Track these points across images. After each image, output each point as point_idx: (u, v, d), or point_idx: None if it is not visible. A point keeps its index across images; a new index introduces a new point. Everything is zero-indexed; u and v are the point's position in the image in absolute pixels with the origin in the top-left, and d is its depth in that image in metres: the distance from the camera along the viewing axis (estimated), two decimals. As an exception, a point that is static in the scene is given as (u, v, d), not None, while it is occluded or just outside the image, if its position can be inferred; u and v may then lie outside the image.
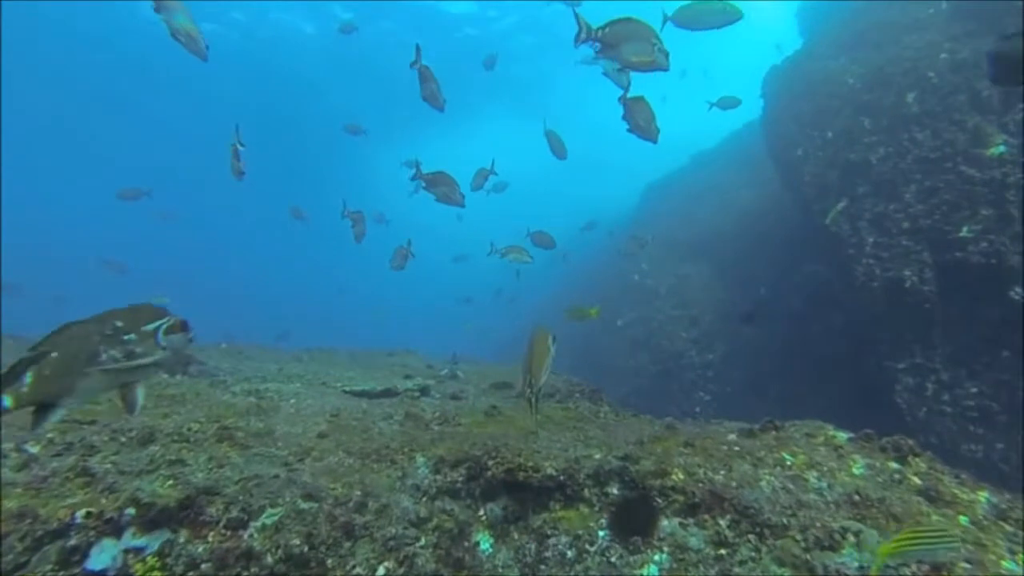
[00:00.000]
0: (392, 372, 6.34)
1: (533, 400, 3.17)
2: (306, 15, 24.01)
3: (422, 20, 24.53)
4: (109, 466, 2.53)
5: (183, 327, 2.27)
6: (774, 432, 3.70)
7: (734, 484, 3.10)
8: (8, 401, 1.97)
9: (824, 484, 2.98)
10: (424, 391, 5.12)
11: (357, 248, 8.93)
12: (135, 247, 37.00)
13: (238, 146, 5.38)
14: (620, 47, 3.67)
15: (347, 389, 4.90)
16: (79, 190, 35.59)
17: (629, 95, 4.40)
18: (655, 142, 4.50)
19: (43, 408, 2.06)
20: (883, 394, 8.44)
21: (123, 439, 2.81)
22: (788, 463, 3.23)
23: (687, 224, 15.44)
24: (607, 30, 3.71)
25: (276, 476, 2.64)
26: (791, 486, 3.01)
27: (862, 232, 8.37)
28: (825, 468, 3.11)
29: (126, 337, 2.19)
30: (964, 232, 7.15)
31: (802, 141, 9.62)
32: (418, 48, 5.33)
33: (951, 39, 7.73)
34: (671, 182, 18.79)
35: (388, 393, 4.92)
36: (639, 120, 4.36)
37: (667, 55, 3.72)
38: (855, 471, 3.07)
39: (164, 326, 2.23)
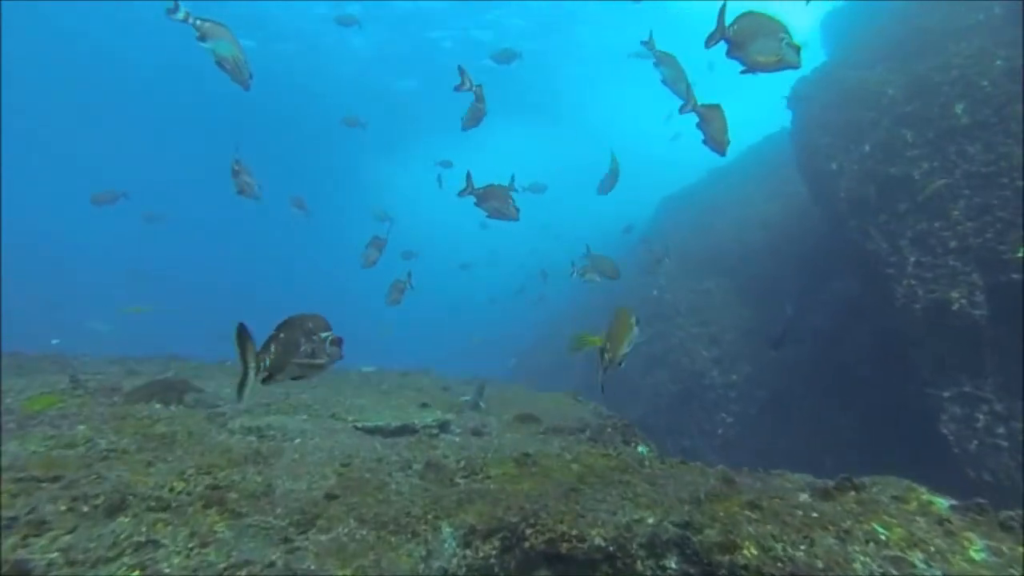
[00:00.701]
0: (406, 399, 5.82)
1: (604, 371, 3.32)
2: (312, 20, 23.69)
3: (424, 22, 24.09)
4: (56, 555, 2.00)
5: (339, 343, 2.65)
6: (854, 492, 3.13)
7: (820, 566, 2.54)
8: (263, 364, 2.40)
9: (937, 572, 2.42)
10: (443, 427, 4.59)
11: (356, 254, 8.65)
12: (131, 249, 36.65)
13: (237, 166, 5.30)
14: (747, 46, 3.15)
15: (359, 425, 4.38)
16: (77, 190, 35.28)
17: (703, 103, 4.00)
18: (723, 155, 4.10)
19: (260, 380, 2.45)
20: (920, 421, 7.85)
21: (85, 508, 2.29)
22: (883, 538, 2.66)
23: (706, 238, 14.87)
24: (735, 27, 3.18)
25: (272, 564, 2.11)
26: (893, 572, 2.46)
27: (903, 251, 7.81)
28: (932, 548, 2.55)
29: (314, 338, 2.57)
30: (1022, 253, 6.58)
31: (836, 154, 9.07)
32: (462, 70, 4.98)
33: (1005, 45, 7.18)
34: (689, 194, 18.24)
35: (404, 430, 4.40)
36: (713, 130, 3.96)
37: (798, 50, 3.24)
38: (974, 555, 2.50)
39: (329, 338, 2.61)
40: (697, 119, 4.03)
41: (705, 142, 4.09)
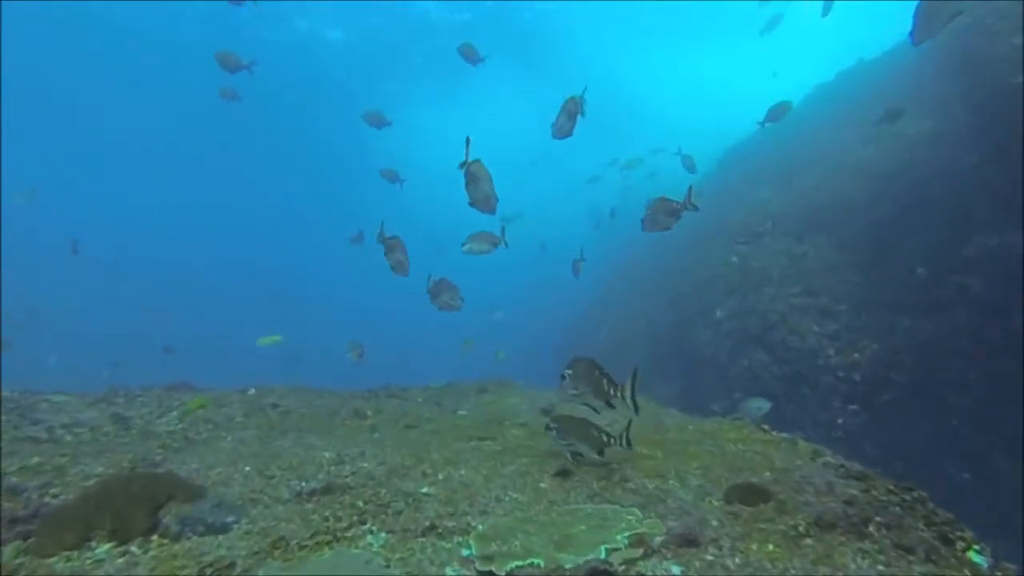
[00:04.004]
0: (527, 455, 3.59)
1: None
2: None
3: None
4: None
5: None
6: None
7: None
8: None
9: None
10: (646, 548, 2.34)
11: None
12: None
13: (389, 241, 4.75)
14: None
15: (484, 570, 2.14)
16: (77, 193, 33.17)
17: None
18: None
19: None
20: None
21: None
22: None
23: (788, 194, 12.39)
24: None
25: None
26: None
27: None
28: None
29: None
30: None
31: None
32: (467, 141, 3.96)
33: None
34: (756, 146, 15.62)
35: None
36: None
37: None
38: None
39: None
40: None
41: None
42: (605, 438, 3.22)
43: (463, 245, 5.03)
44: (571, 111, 4.43)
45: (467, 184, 4.17)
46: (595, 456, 3.26)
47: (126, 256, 34.68)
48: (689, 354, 11.95)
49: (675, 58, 27.93)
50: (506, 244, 4.99)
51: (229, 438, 4.08)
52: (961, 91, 8.60)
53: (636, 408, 3.20)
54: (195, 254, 38.68)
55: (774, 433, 4.07)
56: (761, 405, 8.05)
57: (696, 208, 4.50)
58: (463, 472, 3.31)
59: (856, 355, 9.30)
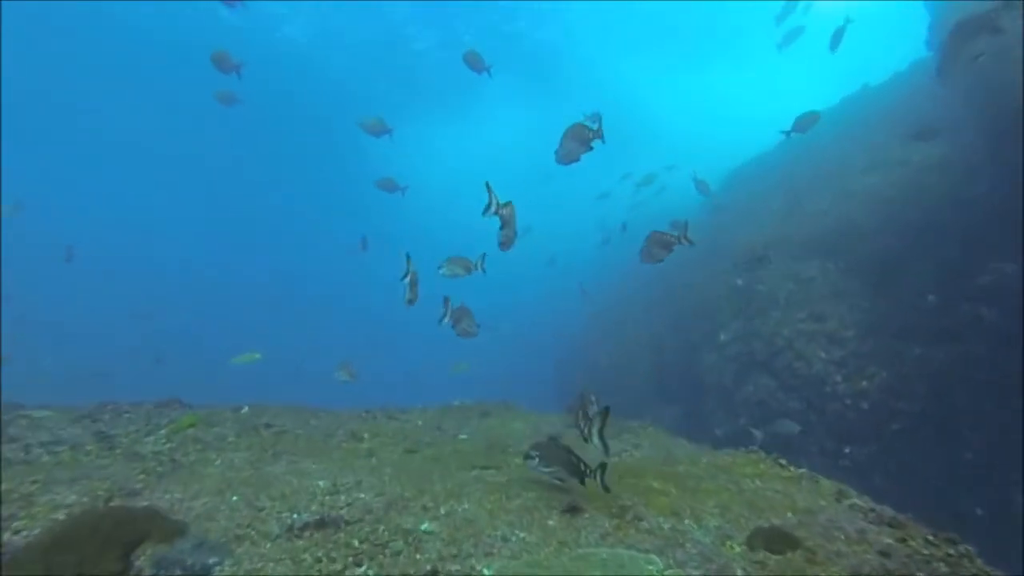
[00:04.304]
0: (524, 476, 3.37)
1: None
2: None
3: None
4: None
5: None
6: None
7: None
8: None
9: None
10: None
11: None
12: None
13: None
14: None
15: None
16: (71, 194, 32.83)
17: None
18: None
19: None
20: None
21: None
22: None
23: (794, 217, 12.25)
24: None
25: None
26: None
27: None
28: None
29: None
30: None
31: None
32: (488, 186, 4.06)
33: None
34: (761, 168, 15.53)
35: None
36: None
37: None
38: None
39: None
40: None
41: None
42: (584, 467, 3.09)
43: (439, 268, 5.07)
44: (584, 137, 4.28)
45: (502, 227, 4.14)
46: (577, 483, 3.13)
47: (120, 260, 34.30)
48: (693, 377, 11.73)
49: (679, 72, 28.00)
50: (483, 271, 4.98)
51: (219, 461, 3.86)
52: (973, 116, 8.50)
53: (606, 449, 3.04)
54: (192, 260, 38.29)
55: (792, 468, 3.85)
56: (791, 428, 7.88)
57: (691, 243, 4.59)
58: (466, 506, 3.09)
59: (864, 383, 9.08)
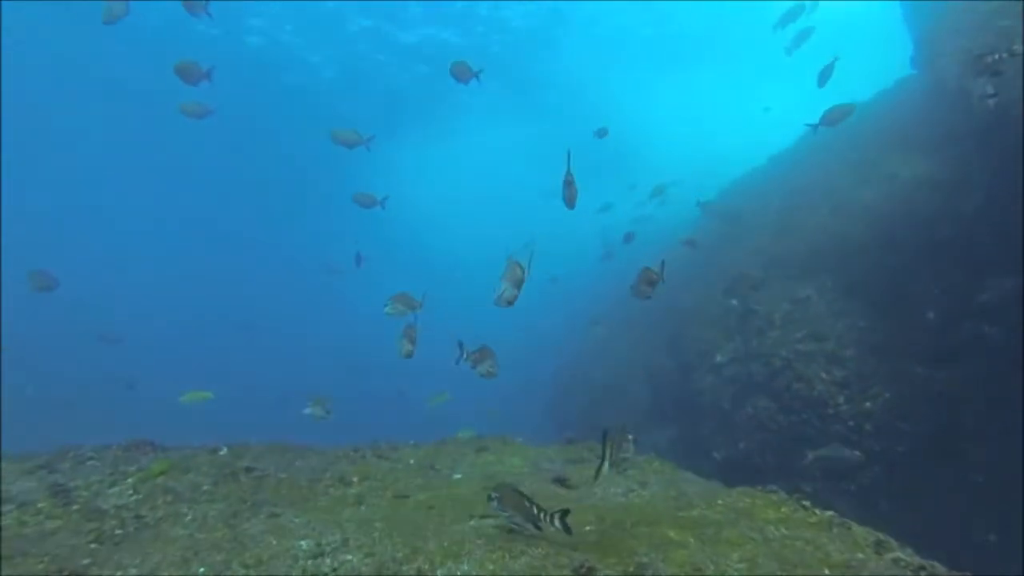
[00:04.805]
0: (546, 541, 3.03)
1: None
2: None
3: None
4: None
5: None
6: None
7: None
8: None
9: None
10: None
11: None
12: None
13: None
14: None
15: None
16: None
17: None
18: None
19: None
20: None
21: None
22: None
23: (788, 235, 12.09)
24: None
25: None
26: None
27: None
28: None
29: None
30: None
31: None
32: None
33: None
34: (754, 184, 15.46)
35: None
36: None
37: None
38: None
39: None
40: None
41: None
42: (538, 512, 3.04)
43: (384, 307, 5.30)
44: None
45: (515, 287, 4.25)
46: (531, 528, 3.12)
47: (90, 281, 33.32)
48: (688, 399, 11.45)
49: (667, 83, 28.17)
50: (420, 307, 5.29)
51: (189, 516, 3.48)
52: (967, 130, 8.42)
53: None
54: (167, 280, 37.25)
55: (817, 512, 3.55)
56: (849, 455, 7.65)
57: (663, 280, 5.26)
58: (466, 567, 2.75)
59: (867, 404, 8.85)
